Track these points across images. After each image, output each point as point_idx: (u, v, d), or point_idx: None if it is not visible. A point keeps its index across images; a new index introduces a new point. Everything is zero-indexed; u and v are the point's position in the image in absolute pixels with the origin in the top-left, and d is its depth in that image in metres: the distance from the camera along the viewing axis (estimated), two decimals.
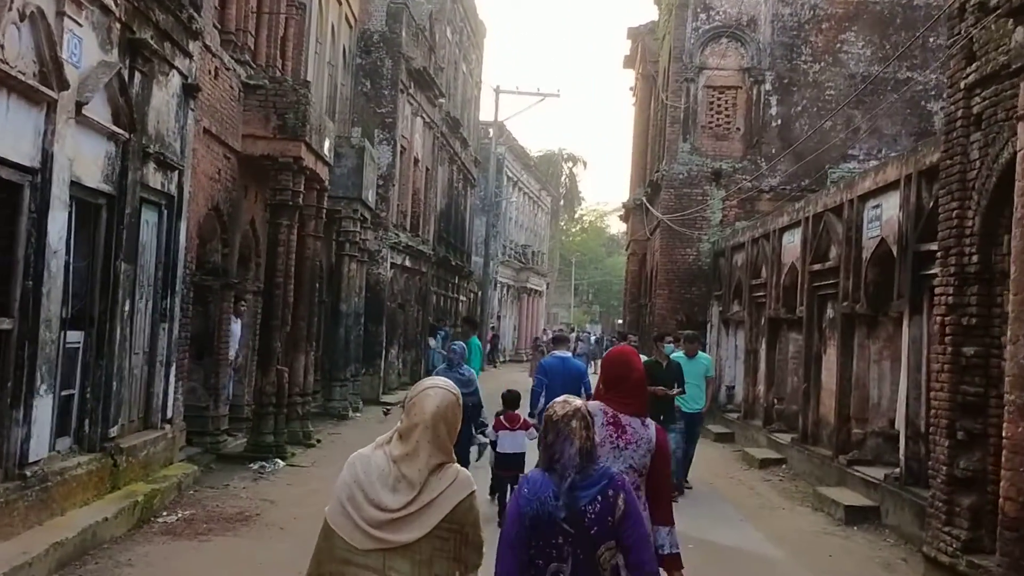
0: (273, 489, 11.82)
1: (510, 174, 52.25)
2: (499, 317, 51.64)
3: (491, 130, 42.99)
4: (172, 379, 11.33)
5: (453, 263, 34.59)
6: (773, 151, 23.78)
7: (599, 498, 3.55)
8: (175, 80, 10.92)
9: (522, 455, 10.28)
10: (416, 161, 27.58)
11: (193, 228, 12.10)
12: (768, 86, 23.97)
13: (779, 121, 23.99)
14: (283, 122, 13.78)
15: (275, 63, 15.78)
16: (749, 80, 24.01)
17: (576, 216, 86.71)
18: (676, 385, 12.13)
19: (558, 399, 3.80)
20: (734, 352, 21.25)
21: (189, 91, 11.26)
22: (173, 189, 11.06)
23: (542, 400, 10.47)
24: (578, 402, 3.77)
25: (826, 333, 14.63)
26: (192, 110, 11.46)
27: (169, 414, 11.30)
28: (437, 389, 3.41)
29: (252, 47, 14.82)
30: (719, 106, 24.19)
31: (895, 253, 11.58)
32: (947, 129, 8.46)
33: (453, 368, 10.95)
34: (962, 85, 8.18)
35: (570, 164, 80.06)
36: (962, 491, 7.90)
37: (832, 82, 23.89)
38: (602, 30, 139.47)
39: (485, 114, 43.58)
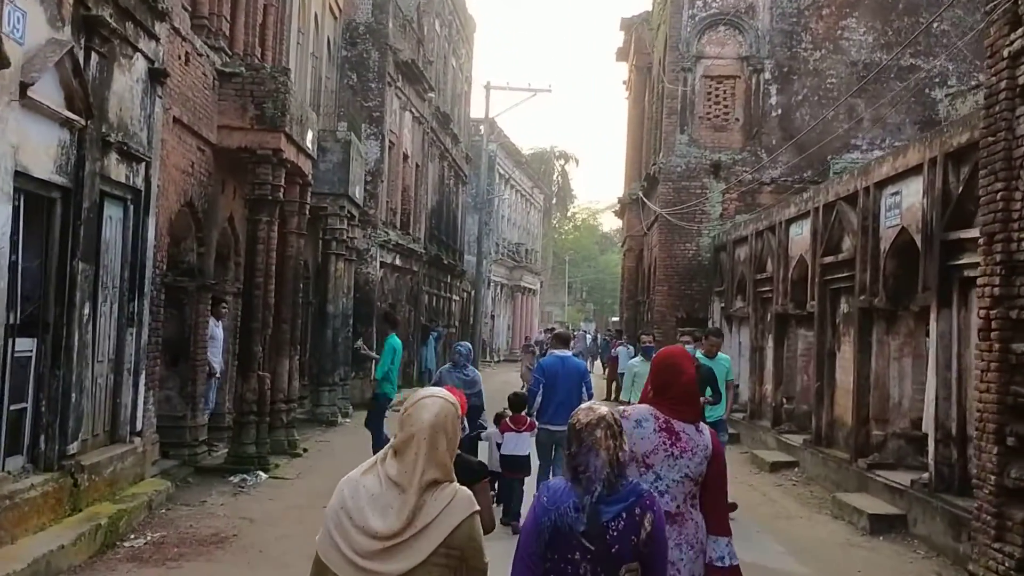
0: (253, 505, 10.97)
1: (502, 171, 51.45)
2: (493, 316, 50.84)
3: (482, 127, 42.20)
4: (142, 388, 10.47)
5: (445, 262, 33.75)
6: (774, 142, 23.02)
7: (624, 515, 3.26)
8: (140, 64, 10.07)
9: (527, 457, 10.24)
10: (405, 157, 26.74)
11: (164, 225, 11.25)
12: (767, 75, 23.20)
13: (779, 111, 23.22)
14: (261, 112, 12.93)
15: (253, 52, 14.93)
16: (748, 69, 23.23)
17: (569, 214, 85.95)
18: (704, 390, 10.33)
19: (582, 406, 3.50)
20: (738, 349, 20.45)
21: (156, 76, 10.40)
22: (140, 182, 10.21)
23: (539, 400, 10.23)
24: (603, 409, 3.46)
25: (840, 329, 13.84)
26: (160, 97, 10.60)
27: (139, 426, 10.45)
28: (435, 399, 3.13)
29: (228, 34, 13.96)
30: (717, 96, 23.41)
31: (918, 243, 10.78)
32: (988, 103, 7.67)
33: (458, 368, 10.85)
34: (1005, 53, 7.38)
35: (562, 162, 79.42)
36: (1014, 503, 7.10)
37: (833, 70, 23.13)
38: (594, 24, 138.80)
39: (476, 111, 42.85)
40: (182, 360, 12.73)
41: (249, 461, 12.74)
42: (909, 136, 22.46)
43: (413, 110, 26.88)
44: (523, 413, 10.41)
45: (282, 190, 13.36)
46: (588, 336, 43.85)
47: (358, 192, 20.30)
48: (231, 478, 12.28)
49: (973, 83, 22.49)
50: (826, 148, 22.52)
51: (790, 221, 16.18)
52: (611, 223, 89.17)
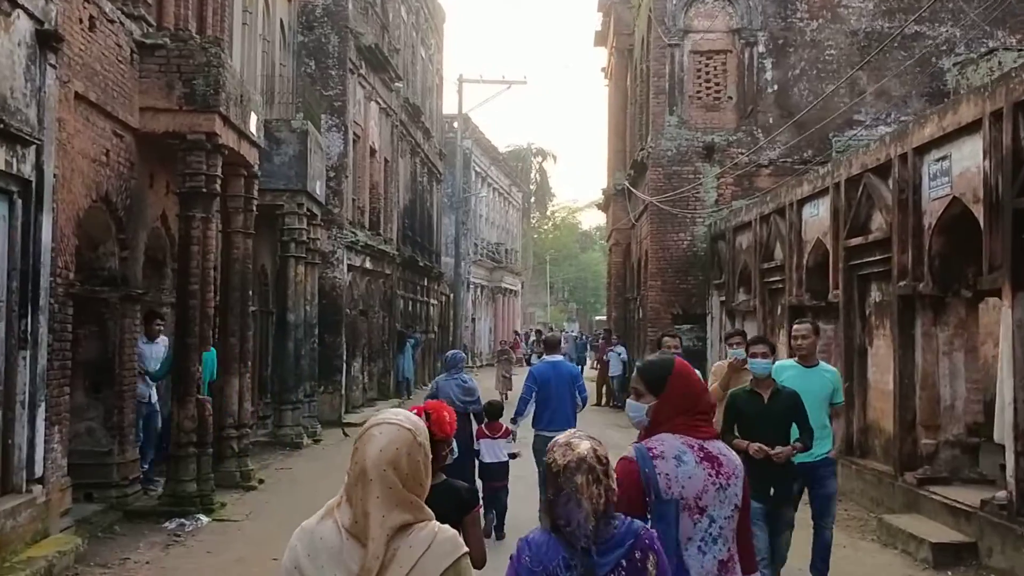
0: (187, 560, 9.03)
1: (478, 169, 49.53)
2: (474, 319, 48.93)
3: (456, 123, 40.30)
4: (41, 423, 8.51)
5: (421, 264, 31.80)
6: (770, 121, 21.24)
7: (624, 563, 2.83)
8: (22, 24, 8.11)
9: (506, 463, 10.12)
10: (373, 151, 24.80)
11: (68, 224, 9.30)
12: (761, 48, 21.41)
13: (775, 87, 21.44)
14: (190, 90, 10.99)
15: (186, 26, 12.96)
16: (740, 42, 21.44)
17: (548, 212, 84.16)
18: (789, 427, 6.70)
19: (559, 440, 2.93)
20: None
21: (45, 40, 8.44)
22: (28, 171, 8.25)
23: (530, 407, 10.07)
24: (584, 446, 2.88)
25: (871, 321, 12.02)
26: (53, 67, 8.64)
27: (39, 471, 8.49)
28: (385, 426, 2.59)
29: (151, 2, 12.01)
30: (708, 73, 21.61)
31: (978, 214, 8.97)
32: None
33: (454, 375, 10.42)
34: None
35: (540, 159, 77.54)
36: None
37: (832, 41, 21.38)
38: (568, 15, 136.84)
39: (449, 107, 40.95)
40: (105, 386, 10.78)
41: (189, 501, 10.80)
42: (916, 109, 20.77)
43: (379, 100, 24.95)
44: (499, 420, 10.29)
45: (218, 181, 11.39)
46: (573, 334, 42.04)
47: (319, 188, 18.38)
48: (166, 523, 10.36)
49: (983, 50, 20.86)
50: (827, 125, 20.73)
51: (803, 201, 14.36)
52: (591, 221, 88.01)
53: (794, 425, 6.70)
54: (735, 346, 8.85)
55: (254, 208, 13.40)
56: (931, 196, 10.09)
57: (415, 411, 4.30)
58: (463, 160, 41.81)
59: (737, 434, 6.66)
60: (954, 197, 9.56)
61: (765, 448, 6.46)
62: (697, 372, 3.67)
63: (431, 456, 2.66)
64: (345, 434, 18.42)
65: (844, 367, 12.42)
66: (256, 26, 17.73)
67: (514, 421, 10.33)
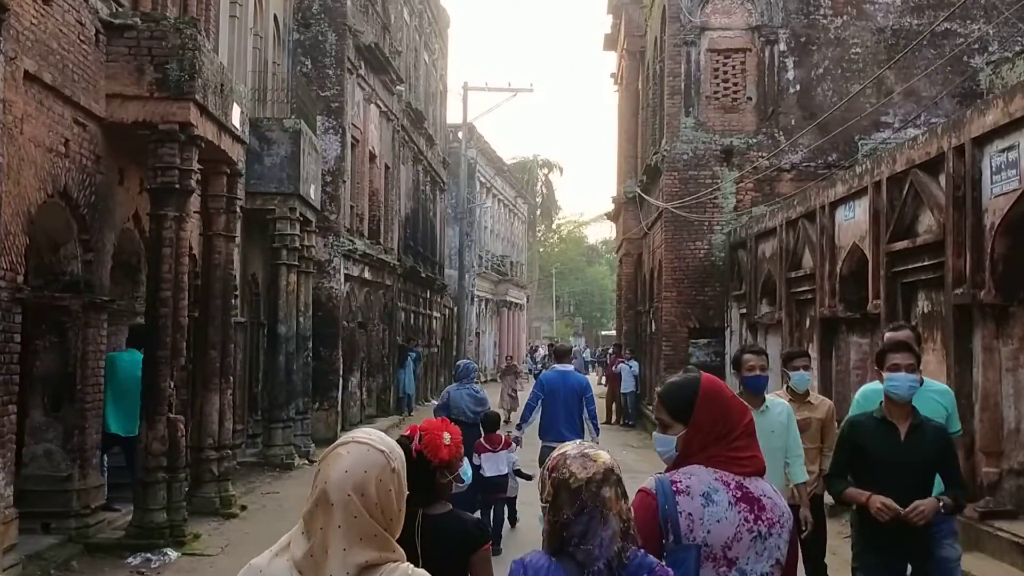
0: None
1: (483, 179, 48.46)
2: (478, 333, 47.76)
3: (460, 133, 39.26)
4: None
5: (423, 275, 30.65)
6: (792, 122, 20.12)
7: None
8: None
9: (506, 476, 9.90)
10: (373, 156, 23.70)
11: (16, 220, 8.18)
12: (782, 46, 20.30)
13: (797, 87, 20.32)
14: (163, 75, 9.88)
15: (164, 10, 11.87)
16: (760, 40, 20.33)
17: (554, 225, 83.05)
18: (932, 476, 5.02)
19: (570, 452, 2.60)
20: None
21: None
22: None
23: (535, 414, 9.96)
24: (604, 456, 2.59)
25: (919, 334, 10.83)
26: None
27: None
28: (354, 446, 2.22)
29: None
30: (726, 72, 20.50)
31: None
32: None
33: (465, 385, 10.53)
34: None
35: (545, 171, 76.46)
36: None
37: (858, 38, 20.26)
38: (574, 24, 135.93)
39: (453, 116, 39.95)
40: (66, 403, 9.64)
41: (157, 532, 9.64)
42: (947, 111, 19.63)
43: (380, 103, 23.86)
44: (498, 432, 10.10)
45: (194, 177, 10.26)
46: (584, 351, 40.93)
47: (313, 192, 17.27)
48: (130, 558, 9.20)
49: (1018, 48, 19.74)
50: (852, 128, 19.60)
51: (836, 203, 13.22)
52: (597, 234, 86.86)
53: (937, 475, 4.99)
54: (800, 369, 7.11)
55: (238, 209, 12.28)
56: (993, 192, 8.94)
57: (409, 432, 3.73)
58: (467, 170, 40.76)
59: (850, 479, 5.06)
60: (1023, 193, 8.41)
61: (894, 506, 4.73)
62: (729, 388, 3.05)
63: (406, 491, 2.28)
64: None
65: None
66: (247, 19, 16.66)
67: (519, 427, 10.25)
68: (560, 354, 10.77)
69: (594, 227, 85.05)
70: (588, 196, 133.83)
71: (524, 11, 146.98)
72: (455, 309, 39.83)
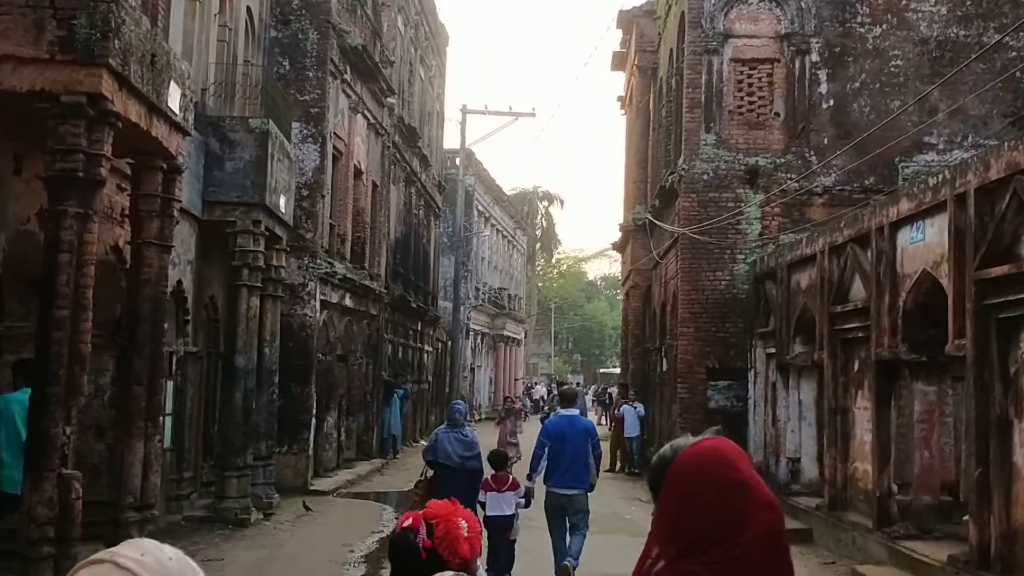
0: None
1: (481, 208, 46.37)
2: (473, 369, 45.41)
3: (459, 159, 37.23)
4: None
5: (414, 305, 28.40)
6: (825, 141, 17.99)
7: None
8: None
9: (511, 517, 9.63)
10: (359, 172, 21.55)
11: None
12: (815, 56, 18.22)
13: (831, 102, 18.21)
14: (68, 33, 7.72)
15: None
16: (790, 50, 18.25)
17: (554, 260, 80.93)
18: None
19: None
20: (797, 411, 15.21)
21: None
22: None
23: (542, 464, 9.97)
24: None
25: (1021, 382, 8.61)
26: None
27: None
28: (107, 569, 1.60)
29: None
30: (751, 85, 18.39)
31: None
32: None
33: (455, 428, 10.31)
34: None
35: (546, 203, 74.35)
36: None
37: (899, 50, 18.19)
38: (580, 52, 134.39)
39: (451, 142, 37.95)
40: None
41: None
42: (998, 132, 17.56)
43: (368, 114, 21.75)
44: (505, 471, 9.88)
45: (105, 163, 8.03)
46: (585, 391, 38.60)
47: (283, 205, 15.10)
48: None
49: None
50: (892, 149, 17.45)
51: (898, 224, 11.03)
52: (597, 270, 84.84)
53: None
54: None
55: (175, 213, 10.04)
56: None
57: (411, 522, 2.91)
58: (465, 197, 38.70)
59: None
60: None
61: None
62: (736, 464, 2.05)
63: None
64: (307, 508, 14.93)
65: (976, 445, 8.99)
66: (211, 6, 14.58)
67: (529, 478, 10.08)
68: (567, 398, 10.93)
69: (594, 263, 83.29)
70: (589, 232, 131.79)
71: (527, 38, 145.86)
72: (449, 343, 37.57)
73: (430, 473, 10.12)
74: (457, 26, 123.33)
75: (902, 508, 10.95)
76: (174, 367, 13.37)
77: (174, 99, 9.52)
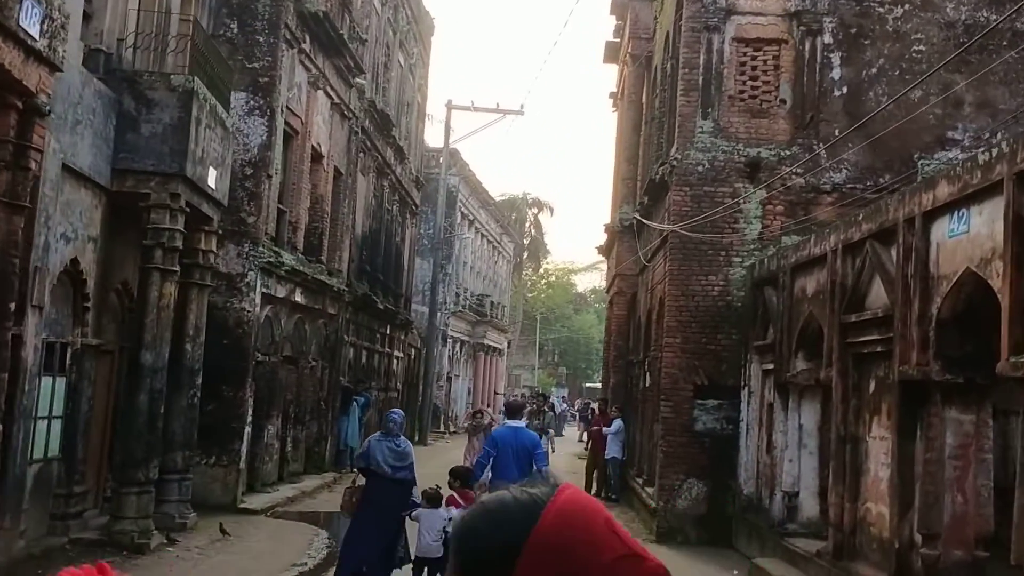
0: None
1: (465, 210, 44.38)
2: (450, 378, 43.32)
3: (442, 157, 35.26)
4: None
5: (381, 307, 26.29)
6: (836, 133, 15.96)
7: None
8: None
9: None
10: (318, 155, 19.51)
11: None
12: (827, 38, 16.26)
13: (844, 89, 16.25)
14: None
15: None
16: (799, 29, 16.29)
17: (542, 270, 78.93)
18: None
19: None
20: (797, 438, 13.19)
21: None
22: None
23: (487, 473, 10.07)
24: None
25: None
26: None
27: None
28: None
29: None
30: (755, 68, 16.40)
31: None
32: None
33: (389, 437, 9.88)
34: None
35: (535, 210, 72.40)
36: None
37: (921, 33, 16.25)
38: (571, 52, 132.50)
39: (434, 140, 36.00)
40: None
41: None
42: None
43: (331, 92, 19.73)
44: (474, 490, 9.46)
45: None
46: (559, 405, 36.55)
47: (213, 180, 13.06)
48: None
49: None
50: (912, 142, 15.66)
51: (932, 213, 9.04)
52: (587, 282, 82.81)
53: None
54: None
55: (33, 165, 8.00)
56: None
57: None
58: (447, 197, 36.70)
59: None
60: None
61: None
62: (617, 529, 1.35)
63: None
64: (223, 532, 12.79)
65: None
66: None
67: (471, 487, 9.91)
68: (512, 410, 11.63)
69: (584, 275, 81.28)
70: (579, 242, 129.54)
71: (517, 37, 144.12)
72: (424, 350, 35.51)
73: (361, 480, 9.87)
74: (446, 22, 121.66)
75: (927, 564, 8.91)
76: (68, 361, 11.35)
77: (29, 18, 7.49)
